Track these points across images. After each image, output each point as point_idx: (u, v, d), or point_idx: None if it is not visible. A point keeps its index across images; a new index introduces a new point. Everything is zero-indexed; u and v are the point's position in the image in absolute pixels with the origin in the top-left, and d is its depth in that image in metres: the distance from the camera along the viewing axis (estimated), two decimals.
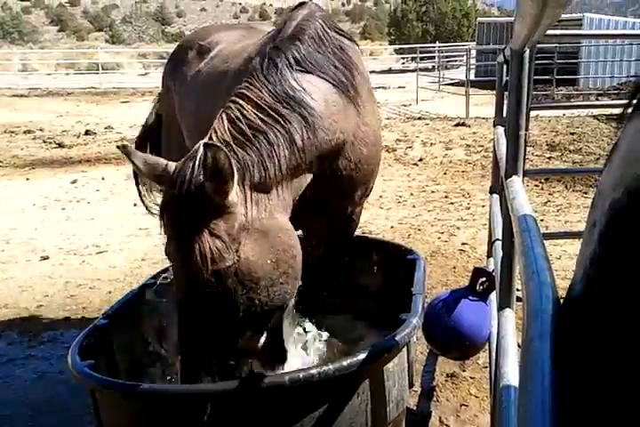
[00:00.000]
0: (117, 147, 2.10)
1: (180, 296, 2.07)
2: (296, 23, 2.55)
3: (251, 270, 2.03)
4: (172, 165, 2.07)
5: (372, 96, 2.83)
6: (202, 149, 1.94)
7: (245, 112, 2.15)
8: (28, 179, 9.94)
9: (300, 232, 3.28)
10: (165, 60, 4.47)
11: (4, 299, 5.06)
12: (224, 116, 2.15)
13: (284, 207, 2.23)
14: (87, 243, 6.46)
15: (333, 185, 2.64)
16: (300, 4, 2.80)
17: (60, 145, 13.17)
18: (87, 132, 14.84)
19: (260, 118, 2.15)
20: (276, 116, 2.18)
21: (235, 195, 2.00)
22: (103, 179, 9.51)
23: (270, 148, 2.13)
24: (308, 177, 2.43)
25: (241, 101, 2.19)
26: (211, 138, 2.09)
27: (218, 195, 1.94)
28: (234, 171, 1.93)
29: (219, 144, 1.93)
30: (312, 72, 2.40)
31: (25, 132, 15.07)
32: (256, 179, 2.09)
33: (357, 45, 2.92)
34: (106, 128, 15.74)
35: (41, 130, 15.55)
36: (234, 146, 2.06)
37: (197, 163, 1.94)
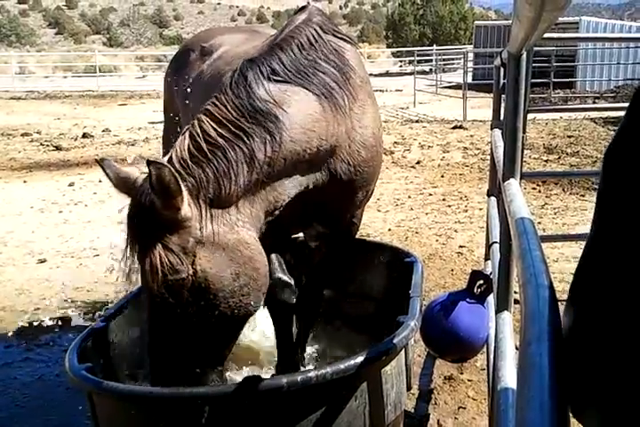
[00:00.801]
0: (96, 160, 2.23)
1: (146, 305, 2.16)
2: (289, 30, 2.55)
3: (207, 283, 2.10)
4: (141, 179, 2.14)
5: (371, 98, 2.81)
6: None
7: (207, 128, 2.17)
8: (25, 182, 9.93)
9: (300, 234, 3.29)
10: (163, 63, 4.48)
11: (1, 302, 5.05)
12: (187, 133, 2.20)
13: (248, 221, 2.25)
14: (84, 246, 6.44)
15: (333, 188, 2.64)
16: (302, 8, 2.81)
17: (58, 148, 13.16)
18: (84, 135, 14.82)
19: (220, 135, 2.17)
20: (238, 132, 2.19)
21: (188, 210, 2.07)
22: (100, 182, 9.46)
23: (228, 164, 2.14)
24: (296, 183, 2.44)
25: (204, 118, 2.21)
26: (171, 156, 2.14)
27: (167, 210, 2.02)
28: (180, 187, 2.00)
29: (163, 161, 2.00)
30: (291, 81, 2.38)
31: (22, 135, 15.05)
32: (212, 195, 2.13)
33: (358, 47, 2.91)
34: (103, 131, 15.73)
35: (38, 133, 15.53)
36: (190, 163, 2.11)
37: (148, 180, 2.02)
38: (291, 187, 2.43)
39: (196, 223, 2.09)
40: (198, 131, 2.17)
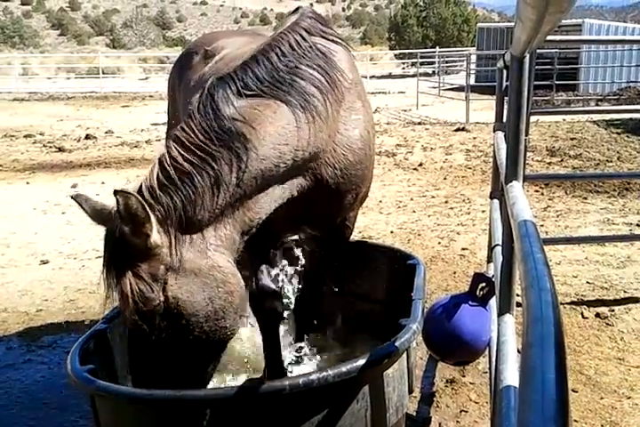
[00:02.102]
0: (71, 197, 2.27)
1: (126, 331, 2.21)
2: (274, 36, 2.52)
3: (180, 309, 2.12)
4: (115, 211, 2.17)
5: (361, 100, 2.77)
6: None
7: (175, 155, 2.18)
8: (28, 183, 9.95)
9: (295, 237, 3.29)
10: (166, 65, 4.49)
11: (4, 303, 5.06)
12: (156, 161, 2.21)
13: (223, 243, 2.26)
14: (87, 247, 6.45)
15: (321, 192, 2.62)
16: (295, 10, 2.80)
17: (61, 149, 13.18)
18: (87, 137, 14.86)
19: (187, 160, 2.17)
20: (205, 156, 2.18)
21: (158, 237, 2.09)
22: (103, 183, 9.51)
23: (195, 190, 2.15)
24: (275, 197, 2.42)
25: (173, 144, 2.22)
26: (140, 184, 2.17)
27: (137, 237, 2.05)
28: (148, 215, 2.03)
29: (129, 190, 2.02)
30: (264, 94, 2.34)
31: (25, 137, 15.09)
32: (182, 221, 2.14)
33: (349, 49, 2.87)
34: (106, 132, 15.77)
35: (41, 134, 15.57)
36: (158, 191, 2.12)
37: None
38: (269, 202, 2.41)
39: (166, 250, 2.11)
40: (167, 158, 2.18)
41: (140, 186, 2.16)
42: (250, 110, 2.29)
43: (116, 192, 1.97)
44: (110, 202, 2.25)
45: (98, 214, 2.21)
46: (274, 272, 3.02)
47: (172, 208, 2.12)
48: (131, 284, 2.06)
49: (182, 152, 2.18)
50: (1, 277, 5.66)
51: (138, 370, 2.21)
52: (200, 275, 2.16)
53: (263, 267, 2.90)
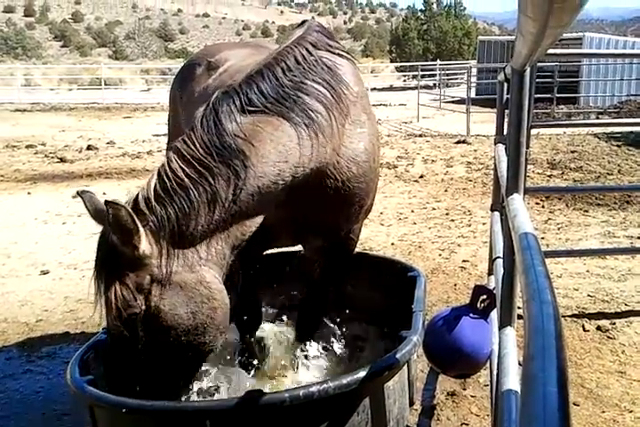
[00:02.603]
0: (77, 193, 2.36)
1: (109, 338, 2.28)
2: (279, 51, 2.52)
3: (160, 319, 2.16)
4: None
5: (366, 113, 2.77)
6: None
7: (174, 167, 2.20)
8: (29, 193, 9.96)
9: (300, 248, 3.30)
10: (168, 77, 4.51)
11: (4, 313, 5.04)
12: (155, 173, 2.24)
13: (211, 259, 2.28)
14: (87, 257, 6.43)
15: (323, 204, 2.64)
16: (302, 23, 2.81)
17: (62, 160, 13.20)
18: (89, 147, 14.89)
19: (186, 174, 2.19)
20: (203, 171, 2.20)
21: (147, 248, 2.13)
22: (104, 194, 9.51)
23: (190, 205, 2.17)
24: (269, 210, 2.44)
25: (173, 156, 2.24)
26: (137, 194, 2.20)
27: (125, 247, 2.10)
28: (137, 226, 2.07)
29: (120, 202, 2.07)
30: (268, 111, 2.34)
31: (27, 147, 15.11)
32: (174, 234, 2.17)
33: (355, 62, 2.87)
34: (108, 143, 15.80)
35: (43, 144, 15.60)
36: (153, 202, 2.15)
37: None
38: (261, 217, 2.42)
39: (154, 261, 2.14)
40: (167, 169, 2.20)
41: (137, 196, 2.19)
42: (252, 127, 2.30)
43: (106, 203, 2.02)
44: None
45: (99, 214, 2.25)
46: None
47: (165, 220, 2.14)
48: (116, 290, 2.13)
49: (182, 165, 2.20)
50: (1, 287, 5.65)
51: (115, 375, 2.27)
52: (185, 289, 2.19)
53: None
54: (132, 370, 2.20)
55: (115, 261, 2.14)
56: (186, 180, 2.17)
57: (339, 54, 2.70)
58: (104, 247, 2.18)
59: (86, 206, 2.29)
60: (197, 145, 2.23)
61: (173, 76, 4.44)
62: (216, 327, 2.27)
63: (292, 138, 2.37)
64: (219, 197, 2.20)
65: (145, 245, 2.11)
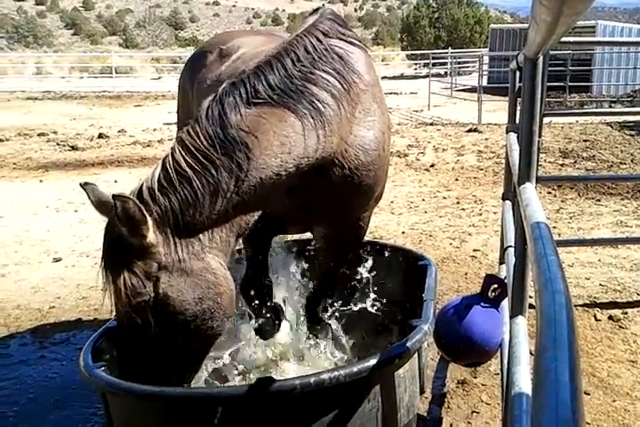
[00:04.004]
0: (80, 185, 2.36)
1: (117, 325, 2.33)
2: (290, 39, 2.51)
3: (168, 305, 2.20)
4: None
5: (376, 102, 2.76)
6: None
7: (178, 158, 2.22)
8: (41, 181, 10.02)
9: (310, 235, 3.31)
10: (178, 65, 4.50)
11: (17, 300, 5.10)
12: (160, 163, 2.26)
13: (218, 246, 2.32)
14: (99, 245, 6.46)
15: (332, 192, 2.64)
16: (315, 11, 2.79)
17: (74, 148, 13.26)
18: (100, 136, 14.94)
19: (189, 165, 2.21)
20: (207, 163, 2.22)
21: (154, 237, 2.17)
22: (116, 182, 9.56)
23: (193, 196, 2.20)
24: (272, 201, 2.46)
25: (178, 147, 2.26)
26: (142, 185, 2.23)
27: (134, 237, 2.13)
28: (145, 217, 2.11)
29: (125, 194, 2.10)
30: (273, 102, 2.34)
31: (39, 135, 15.19)
32: (178, 224, 2.20)
33: (366, 50, 2.85)
34: (119, 131, 15.84)
35: (54, 133, 15.67)
36: (157, 193, 2.18)
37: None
38: (265, 206, 2.47)
39: (161, 249, 2.18)
40: (171, 160, 2.23)
41: (141, 186, 2.22)
42: (256, 119, 2.30)
43: (114, 197, 2.05)
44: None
45: (102, 206, 2.29)
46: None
47: (169, 210, 2.17)
48: (124, 278, 2.16)
49: (185, 156, 2.22)
50: (14, 275, 5.70)
51: (125, 362, 2.31)
52: (192, 275, 2.23)
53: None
54: (142, 356, 2.24)
55: (122, 250, 2.17)
56: (189, 171, 2.20)
57: (351, 42, 2.68)
58: (111, 237, 2.22)
59: (90, 198, 2.32)
60: (201, 137, 2.25)
61: (184, 64, 4.43)
62: (222, 312, 2.31)
63: (297, 129, 2.37)
64: (221, 188, 2.23)
65: (152, 234, 2.15)
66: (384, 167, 2.86)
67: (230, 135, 2.25)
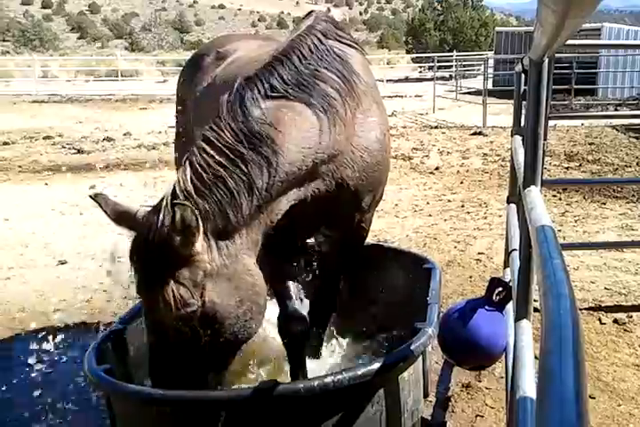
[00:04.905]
0: (90, 196, 2.24)
1: (149, 336, 2.21)
2: (291, 39, 2.53)
3: (215, 313, 2.15)
4: (142, 213, 2.17)
5: (376, 103, 2.79)
6: (167, 203, 2.06)
7: (207, 158, 2.17)
8: (46, 184, 10.04)
9: (312, 240, 3.30)
10: None
11: (21, 303, 5.10)
12: (187, 163, 2.19)
13: (250, 246, 2.28)
14: (105, 248, 6.48)
15: (338, 193, 2.64)
16: (308, 14, 2.80)
17: (79, 151, 13.30)
18: (106, 139, 14.97)
19: (219, 163, 2.16)
20: (236, 160, 2.18)
21: (199, 244, 2.09)
22: (121, 185, 9.56)
23: (230, 196, 2.15)
24: (291, 198, 2.43)
25: (204, 145, 2.21)
26: (174, 188, 2.14)
27: (185, 247, 2.05)
28: (200, 225, 2.05)
29: (185, 201, 2.04)
30: (289, 96, 2.35)
31: (44, 138, 15.22)
32: (218, 227, 2.15)
33: (363, 53, 2.88)
34: (124, 134, 15.87)
35: (60, 136, 15.70)
36: (195, 197, 2.12)
37: (163, 217, 2.05)
38: (286, 204, 2.42)
39: (204, 256, 2.12)
40: (199, 160, 2.17)
41: (174, 190, 2.14)
42: (276, 113, 2.30)
43: (174, 205, 1.98)
44: (133, 204, 2.24)
45: (120, 216, 2.20)
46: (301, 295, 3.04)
47: (209, 213, 2.12)
48: (172, 290, 2.06)
49: (213, 154, 2.18)
50: (19, 277, 5.71)
51: (159, 374, 2.22)
52: (233, 279, 2.19)
53: (292, 288, 2.94)
54: (176, 362, 2.17)
55: (166, 260, 2.07)
56: (221, 170, 2.15)
57: (348, 44, 2.70)
58: (150, 247, 2.07)
59: (103, 210, 2.21)
60: (227, 133, 2.22)
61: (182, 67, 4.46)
62: (259, 311, 2.30)
63: (314, 124, 2.39)
64: (254, 185, 2.20)
65: (200, 241, 2.09)
66: (386, 169, 2.90)
67: (255, 130, 2.23)
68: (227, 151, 2.19)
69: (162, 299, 2.07)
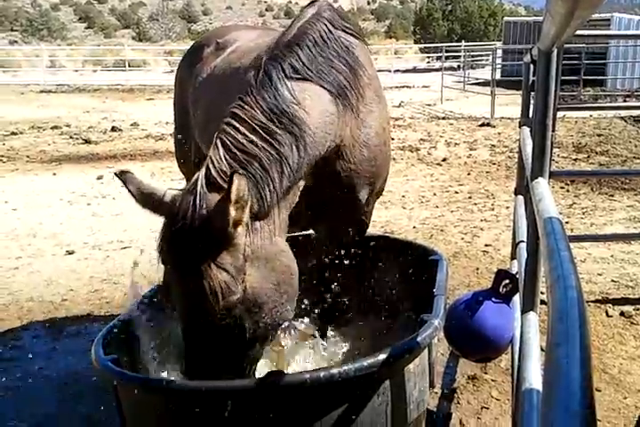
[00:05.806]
0: (115, 174, 2.10)
1: (186, 326, 2.08)
2: (300, 25, 2.51)
3: (256, 298, 2.06)
4: (170, 196, 2.06)
5: (378, 97, 2.78)
6: (202, 184, 1.97)
7: (239, 136, 2.10)
8: (54, 174, 10.07)
9: (311, 232, 3.29)
10: None
11: (30, 293, 5.13)
12: (219, 142, 2.11)
13: (281, 227, 2.23)
14: (112, 238, 6.52)
15: (335, 186, 2.64)
16: (311, 3, 2.79)
17: (87, 141, 13.33)
18: (113, 129, 15.00)
19: (252, 142, 2.10)
20: (269, 139, 2.13)
21: (241, 226, 2.00)
22: None
23: (265, 174, 2.09)
24: (301, 183, 2.40)
25: (235, 123, 2.14)
26: (208, 168, 2.05)
27: (226, 228, 1.93)
28: (249, 200, 1.96)
29: (242, 171, 1.96)
30: (311, 79, 2.35)
31: (52, 128, 15.27)
32: (255, 208, 2.06)
33: (367, 44, 2.87)
34: (132, 125, 15.89)
35: (68, 126, 15.74)
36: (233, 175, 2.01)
37: (200, 198, 1.95)
38: (301, 187, 2.40)
39: (243, 239, 2.02)
40: (231, 139, 2.10)
41: (208, 170, 2.04)
42: (301, 94, 2.29)
43: (233, 173, 1.86)
44: (159, 186, 2.12)
45: (146, 199, 2.07)
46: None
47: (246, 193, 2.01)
48: (215, 276, 1.93)
49: (246, 133, 2.12)
50: (27, 267, 5.74)
51: (195, 363, 2.14)
52: (270, 261, 2.12)
53: None
54: (211, 354, 2.09)
55: (204, 245, 1.93)
56: (255, 148, 2.09)
57: (352, 35, 2.69)
58: (187, 232, 1.94)
59: (128, 189, 2.06)
60: (257, 110, 2.17)
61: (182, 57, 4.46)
62: (294, 293, 2.23)
63: (332, 109, 2.40)
64: (285, 164, 2.15)
65: (245, 220, 1.99)
66: (384, 163, 2.88)
67: (283, 109, 2.20)
68: (259, 130, 2.13)
69: (207, 287, 1.93)
